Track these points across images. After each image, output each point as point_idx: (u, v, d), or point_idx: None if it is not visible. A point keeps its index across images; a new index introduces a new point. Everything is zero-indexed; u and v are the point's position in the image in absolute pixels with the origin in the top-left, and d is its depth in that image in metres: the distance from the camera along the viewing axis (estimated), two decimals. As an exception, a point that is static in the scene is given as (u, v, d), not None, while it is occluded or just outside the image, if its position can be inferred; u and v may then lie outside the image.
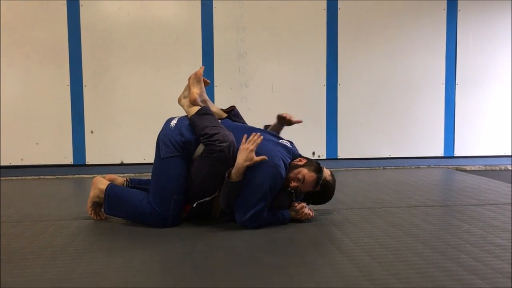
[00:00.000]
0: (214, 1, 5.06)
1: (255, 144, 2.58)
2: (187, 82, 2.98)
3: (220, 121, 2.87)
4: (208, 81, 3.02)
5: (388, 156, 5.35)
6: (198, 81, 2.95)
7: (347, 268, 2.05)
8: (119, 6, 4.97)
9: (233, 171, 2.57)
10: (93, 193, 2.87)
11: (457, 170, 5.02)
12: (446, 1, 5.34)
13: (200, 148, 2.71)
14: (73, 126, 4.98)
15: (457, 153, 5.44)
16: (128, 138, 5.01)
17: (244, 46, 5.10)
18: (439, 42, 5.36)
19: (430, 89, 5.39)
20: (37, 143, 4.93)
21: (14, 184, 4.34)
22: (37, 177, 4.62)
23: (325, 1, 5.19)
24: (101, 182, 2.87)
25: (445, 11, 5.35)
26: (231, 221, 2.80)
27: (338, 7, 5.21)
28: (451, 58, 5.40)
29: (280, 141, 2.84)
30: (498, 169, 5.17)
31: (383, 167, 5.10)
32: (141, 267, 2.11)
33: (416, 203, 3.32)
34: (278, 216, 2.71)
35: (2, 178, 4.49)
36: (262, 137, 2.63)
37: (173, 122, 2.86)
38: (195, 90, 2.91)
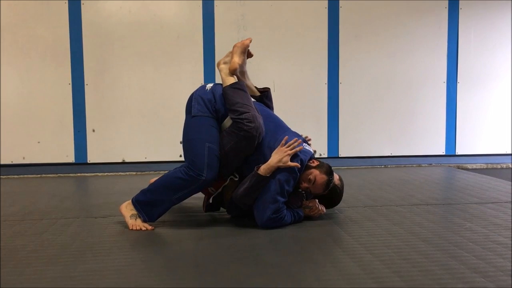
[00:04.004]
0: (215, 0, 5.06)
1: (293, 151, 2.60)
2: (231, 49, 2.89)
3: (253, 100, 2.87)
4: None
5: (390, 155, 5.35)
6: (243, 52, 2.88)
7: (350, 266, 2.05)
8: (120, 5, 4.97)
9: (264, 166, 2.58)
10: (126, 216, 2.74)
11: (458, 168, 5.02)
12: (447, 0, 5.33)
13: (228, 121, 2.71)
14: (74, 125, 4.98)
15: (459, 151, 5.44)
16: (129, 136, 5.01)
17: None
18: (441, 41, 5.35)
19: (432, 88, 5.38)
20: (38, 142, 4.93)
21: (15, 182, 4.34)
22: (38, 175, 4.63)
23: (327, 0, 5.19)
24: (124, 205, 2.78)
25: (447, 9, 5.34)
26: (233, 219, 2.80)
27: (340, 5, 5.20)
28: (453, 57, 5.39)
29: (303, 144, 2.84)
30: (500, 167, 5.17)
31: (385, 165, 5.09)
32: (143, 265, 2.11)
33: (418, 202, 3.32)
34: (294, 214, 2.72)
35: (3, 177, 4.50)
36: (302, 146, 2.64)
37: (209, 85, 2.86)
38: (237, 60, 2.84)
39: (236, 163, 2.71)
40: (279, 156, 2.58)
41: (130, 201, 2.72)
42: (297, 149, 2.62)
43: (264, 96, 3.01)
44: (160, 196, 2.68)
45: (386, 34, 5.28)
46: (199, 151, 2.64)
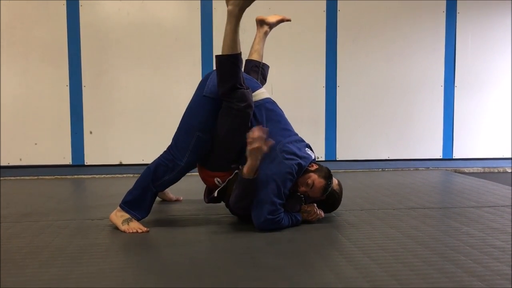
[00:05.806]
0: (213, 2, 5.06)
1: (257, 135, 2.46)
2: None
3: (267, 97, 2.90)
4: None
5: (387, 158, 5.35)
6: None
7: (346, 269, 2.05)
8: (118, 6, 4.97)
9: (245, 167, 2.53)
10: (118, 224, 2.69)
11: (455, 172, 5.02)
12: (445, 3, 5.35)
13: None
14: (72, 127, 4.97)
15: (456, 155, 5.44)
16: (127, 139, 5.00)
17: (244, 47, 5.06)
18: (438, 44, 5.36)
19: (429, 91, 5.39)
20: (36, 143, 4.92)
21: (12, 184, 4.33)
22: (35, 177, 4.61)
23: (325, 3, 5.20)
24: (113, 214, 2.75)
25: (444, 13, 5.35)
26: (230, 222, 2.80)
27: (338, 8, 5.21)
28: (450, 60, 5.40)
29: (306, 148, 2.83)
30: (497, 171, 5.17)
31: (382, 169, 5.10)
32: (140, 267, 2.11)
33: (415, 205, 3.32)
34: (292, 218, 2.71)
35: (1, 178, 4.48)
36: (264, 128, 2.51)
37: None
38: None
39: (237, 145, 2.68)
40: (254, 155, 2.49)
41: (118, 208, 2.71)
42: (259, 134, 2.46)
43: (261, 73, 3.11)
44: (146, 189, 2.71)
45: (384, 38, 5.29)
46: (188, 136, 2.68)
